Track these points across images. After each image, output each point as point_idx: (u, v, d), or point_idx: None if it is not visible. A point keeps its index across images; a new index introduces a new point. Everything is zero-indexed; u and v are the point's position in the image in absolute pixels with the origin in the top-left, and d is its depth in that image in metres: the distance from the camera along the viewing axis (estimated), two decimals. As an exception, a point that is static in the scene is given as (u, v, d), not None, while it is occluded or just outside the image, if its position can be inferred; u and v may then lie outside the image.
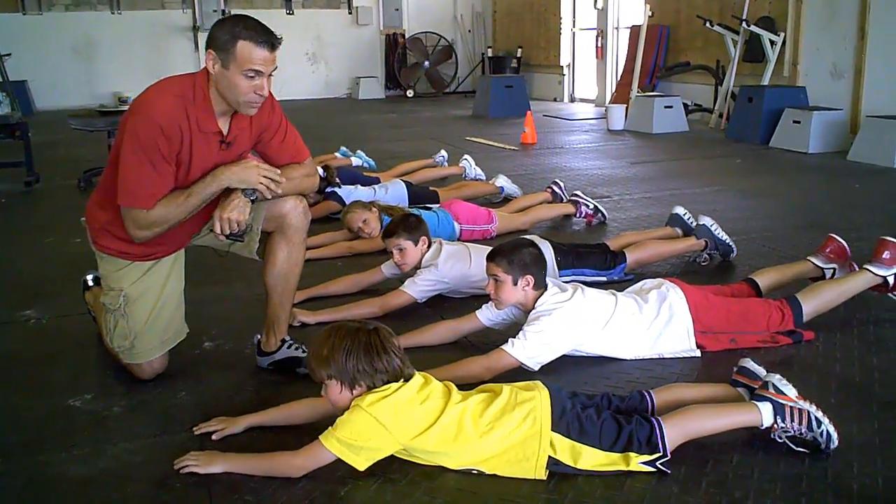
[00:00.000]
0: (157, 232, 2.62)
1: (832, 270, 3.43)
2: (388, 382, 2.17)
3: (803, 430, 2.23)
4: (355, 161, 7.22)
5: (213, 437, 2.43)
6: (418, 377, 2.25)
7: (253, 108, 2.58)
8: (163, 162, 2.53)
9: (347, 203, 5.07)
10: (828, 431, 2.22)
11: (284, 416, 2.47)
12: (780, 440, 2.26)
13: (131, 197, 2.55)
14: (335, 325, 2.24)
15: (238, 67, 2.47)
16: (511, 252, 2.85)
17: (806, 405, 2.25)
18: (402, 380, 2.19)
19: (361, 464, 2.15)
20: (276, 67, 2.56)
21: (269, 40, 2.49)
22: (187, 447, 2.34)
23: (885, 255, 3.17)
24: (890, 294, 3.25)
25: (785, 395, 2.27)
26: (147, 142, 2.49)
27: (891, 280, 3.17)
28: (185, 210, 2.61)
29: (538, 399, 2.22)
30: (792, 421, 2.23)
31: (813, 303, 3.09)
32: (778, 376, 2.32)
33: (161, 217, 2.58)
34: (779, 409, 2.24)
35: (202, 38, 14.05)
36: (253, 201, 2.66)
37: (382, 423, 2.11)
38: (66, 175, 6.98)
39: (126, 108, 2.67)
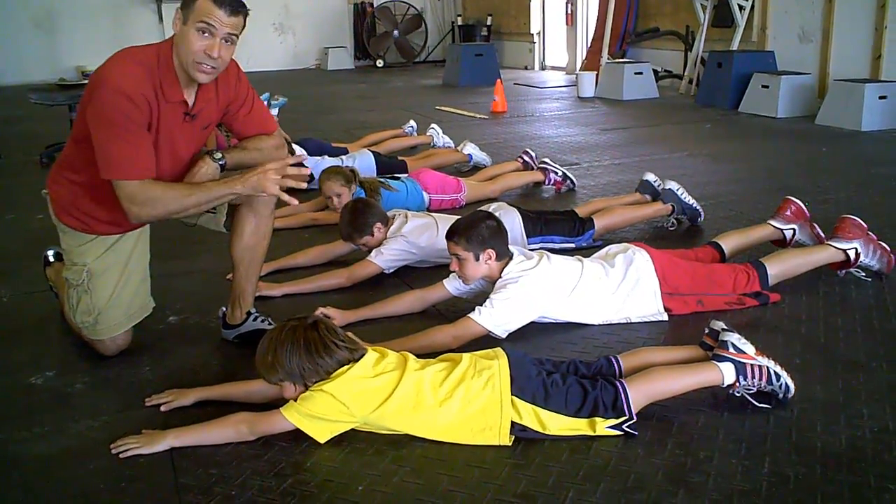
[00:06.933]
0: (153, 215, 2.51)
1: (792, 231, 3.47)
2: (338, 369, 2.18)
3: (763, 385, 2.29)
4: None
5: (162, 408, 2.42)
6: (371, 353, 2.25)
7: (203, 72, 2.46)
8: (137, 131, 2.42)
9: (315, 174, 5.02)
10: (786, 383, 2.30)
11: (241, 392, 2.44)
12: (738, 394, 2.30)
13: (117, 169, 2.43)
14: (275, 329, 2.26)
15: (193, 21, 2.39)
16: (468, 229, 2.83)
17: (765, 361, 2.30)
18: (351, 362, 2.20)
19: (321, 435, 2.17)
20: (235, 35, 2.46)
21: (231, 4, 2.40)
22: (152, 423, 2.32)
23: (846, 230, 3.24)
24: (852, 270, 3.29)
25: (745, 353, 2.30)
26: (115, 114, 2.38)
27: (852, 255, 3.22)
28: (182, 202, 2.49)
29: (497, 367, 2.21)
30: (753, 378, 2.28)
31: (777, 267, 3.12)
32: (736, 335, 2.33)
33: (157, 197, 2.46)
34: (740, 369, 2.27)
35: (166, 9, 13.79)
36: (222, 167, 2.61)
37: (341, 400, 2.13)
38: (27, 151, 6.85)
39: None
